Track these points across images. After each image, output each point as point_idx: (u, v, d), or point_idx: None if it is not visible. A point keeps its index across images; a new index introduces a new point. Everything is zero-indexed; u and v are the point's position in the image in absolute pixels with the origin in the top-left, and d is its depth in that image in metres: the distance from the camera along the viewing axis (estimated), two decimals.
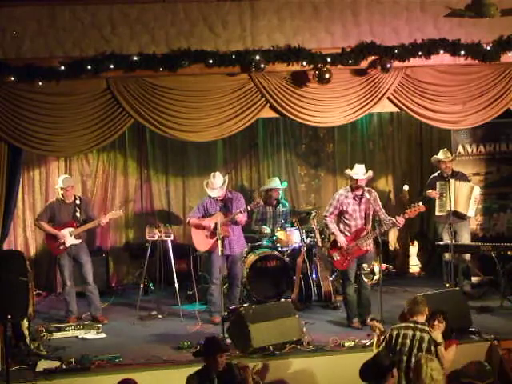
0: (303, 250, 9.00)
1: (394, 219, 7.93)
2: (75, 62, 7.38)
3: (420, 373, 5.19)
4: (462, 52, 7.90)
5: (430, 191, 9.19)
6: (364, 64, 7.85)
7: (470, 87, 8.17)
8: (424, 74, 8.08)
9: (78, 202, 8.58)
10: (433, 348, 5.93)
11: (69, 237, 8.42)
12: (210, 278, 8.58)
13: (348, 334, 7.57)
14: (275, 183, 9.81)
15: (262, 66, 7.52)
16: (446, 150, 9.29)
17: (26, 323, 7.36)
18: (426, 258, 10.53)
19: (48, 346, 7.56)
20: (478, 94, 8.18)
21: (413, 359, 5.84)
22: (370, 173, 8.13)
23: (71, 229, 8.43)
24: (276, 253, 9.15)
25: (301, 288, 8.94)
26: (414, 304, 6.14)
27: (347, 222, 8.06)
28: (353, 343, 7.25)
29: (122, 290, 10.19)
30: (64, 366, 6.92)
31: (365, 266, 8.07)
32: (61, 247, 8.42)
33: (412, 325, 6.02)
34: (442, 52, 7.89)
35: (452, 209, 8.63)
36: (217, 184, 8.40)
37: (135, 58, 7.45)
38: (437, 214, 9.16)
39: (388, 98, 8.09)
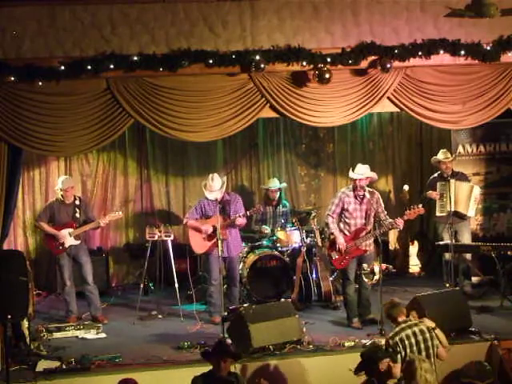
0: (303, 249, 9.00)
1: (393, 221, 7.95)
2: (75, 62, 7.38)
3: (414, 375, 5.22)
4: (462, 52, 7.90)
5: (430, 192, 9.20)
6: (364, 64, 7.85)
7: (470, 87, 8.17)
8: (424, 74, 8.08)
9: (77, 202, 8.58)
10: (433, 333, 6.05)
11: (68, 237, 8.42)
12: (208, 280, 8.57)
13: (348, 334, 7.57)
14: (272, 183, 9.82)
15: (262, 66, 7.52)
16: (445, 150, 9.29)
17: (25, 323, 7.36)
18: (426, 258, 10.53)
19: (48, 346, 7.56)
20: (478, 94, 8.18)
21: (424, 353, 5.94)
22: (374, 174, 8.13)
23: (70, 229, 8.43)
24: (276, 253, 9.15)
25: (301, 288, 8.94)
26: (392, 309, 6.21)
27: (347, 220, 8.07)
28: (353, 343, 7.25)
29: (122, 289, 10.19)
30: (64, 366, 6.92)
31: (365, 265, 8.08)
32: (60, 247, 8.42)
33: (404, 324, 6.05)
34: (441, 52, 7.89)
35: (452, 209, 8.64)
36: (215, 186, 8.34)
37: (135, 58, 7.45)
38: (437, 214, 9.16)
39: (388, 98, 8.09)
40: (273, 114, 8.13)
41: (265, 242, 9.38)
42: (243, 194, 10.53)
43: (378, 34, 7.87)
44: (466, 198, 9.04)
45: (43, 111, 7.59)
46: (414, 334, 6.00)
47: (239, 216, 8.33)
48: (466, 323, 7.52)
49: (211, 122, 7.85)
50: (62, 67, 7.35)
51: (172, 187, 10.64)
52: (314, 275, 9.04)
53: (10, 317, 6.57)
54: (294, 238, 9.34)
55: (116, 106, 7.66)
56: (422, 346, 5.97)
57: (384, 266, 9.62)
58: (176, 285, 8.81)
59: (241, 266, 9.18)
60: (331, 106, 8.01)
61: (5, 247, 8.18)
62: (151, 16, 7.61)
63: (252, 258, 9.08)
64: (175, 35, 7.62)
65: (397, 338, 5.99)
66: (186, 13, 7.65)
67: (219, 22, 7.70)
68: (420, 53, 7.84)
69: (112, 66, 7.41)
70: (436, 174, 9.29)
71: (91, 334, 8.02)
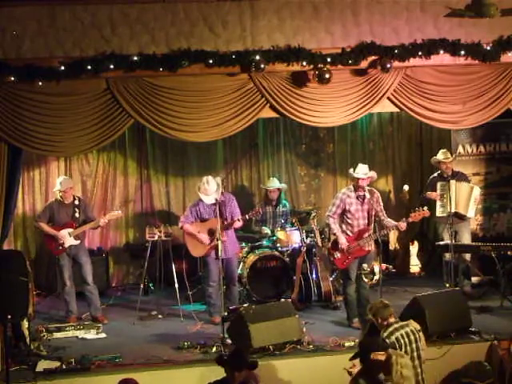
0: (303, 250, 9.00)
1: (396, 223, 7.96)
2: (75, 62, 7.37)
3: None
4: (462, 52, 7.89)
5: (429, 193, 9.20)
6: (364, 64, 7.84)
7: (470, 87, 8.17)
8: (424, 73, 8.07)
9: (76, 202, 8.58)
10: (422, 335, 6.06)
11: (68, 237, 8.42)
12: (206, 282, 8.56)
13: (348, 334, 7.57)
14: (271, 183, 9.81)
15: (262, 66, 7.52)
16: (445, 150, 9.29)
17: (25, 323, 7.37)
18: (426, 258, 10.53)
19: (48, 346, 7.56)
20: (478, 94, 8.18)
21: (416, 354, 5.95)
22: (374, 174, 8.14)
23: (70, 229, 8.43)
24: (276, 253, 9.16)
25: (301, 288, 8.94)
26: (383, 308, 6.14)
27: (349, 221, 8.07)
28: (353, 343, 7.24)
29: (122, 290, 10.19)
30: (64, 366, 6.92)
31: (365, 266, 8.08)
32: (60, 248, 8.42)
33: (397, 325, 6.06)
34: (441, 52, 7.89)
35: (453, 210, 8.64)
36: (211, 190, 8.27)
37: (135, 58, 7.44)
38: (437, 214, 9.16)
39: (388, 98, 8.08)
40: (273, 114, 8.13)
41: (265, 242, 9.38)
42: (243, 194, 10.58)
43: (378, 34, 7.87)
44: (465, 198, 9.04)
45: (43, 111, 7.58)
46: (407, 334, 6.00)
47: (238, 220, 8.31)
48: (466, 323, 7.53)
49: (211, 122, 7.84)
50: (62, 67, 7.34)
51: (172, 187, 10.63)
52: (314, 275, 9.04)
53: (10, 317, 6.58)
54: (293, 238, 9.34)
55: (116, 106, 7.65)
56: (414, 346, 5.98)
57: (384, 266, 9.63)
58: (176, 285, 8.81)
59: (241, 266, 9.19)
60: (331, 106, 8.01)
61: (5, 247, 8.18)
62: (151, 16, 7.61)
63: (252, 258, 9.09)
64: (175, 35, 7.62)
65: (393, 338, 5.99)
66: (186, 13, 7.65)
67: (219, 22, 7.69)
68: (420, 53, 7.83)
69: (112, 66, 7.40)
70: (436, 174, 9.29)
71: (91, 334, 8.02)
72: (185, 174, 10.64)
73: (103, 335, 8.05)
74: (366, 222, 8.07)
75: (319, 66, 7.67)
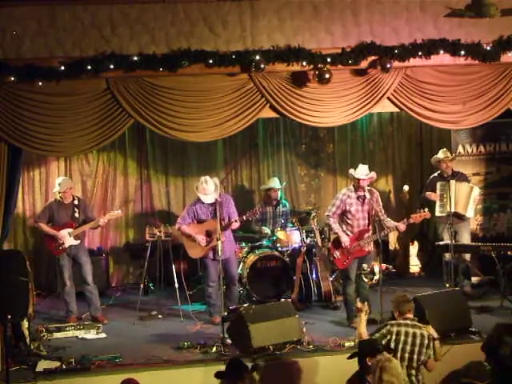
0: (303, 249, 9.00)
1: (396, 224, 7.97)
2: (75, 62, 7.37)
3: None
4: (462, 52, 7.89)
5: (428, 193, 9.20)
6: (364, 64, 7.84)
7: (470, 87, 8.17)
8: (424, 74, 8.07)
9: (76, 202, 8.58)
10: (431, 343, 6.01)
11: (68, 237, 8.42)
12: (206, 282, 8.56)
13: (348, 334, 7.55)
14: (273, 183, 9.82)
15: (262, 66, 7.51)
16: (445, 149, 9.30)
17: (26, 323, 7.36)
18: (426, 258, 10.53)
19: (48, 346, 7.56)
20: (478, 94, 8.17)
21: (415, 357, 5.93)
22: (374, 174, 8.14)
23: (70, 229, 8.43)
24: (276, 253, 9.16)
25: (301, 288, 8.94)
26: (404, 302, 6.18)
27: (349, 222, 8.07)
28: (353, 343, 7.22)
29: (122, 289, 10.19)
30: (64, 366, 6.92)
31: (365, 266, 8.08)
32: (60, 248, 8.43)
33: (410, 322, 6.05)
34: (442, 52, 7.88)
35: (452, 210, 8.64)
36: (209, 189, 8.26)
37: (135, 58, 7.44)
38: (437, 214, 9.16)
39: (388, 98, 8.08)
40: (273, 114, 8.12)
41: (265, 242, 9.38)
42: (243, 194, 10.59)
43: (378, 34, 7.87)
44: (465, 198, 9.04)
45: (43, 111, 7.58)
46: (414, 335, 5.98)
47: (235, 221, 8.30)
48: (466, 323, 7.53)
49: (211, 122, 7.84)
50: (62, 67, 7.34)
51: (172, 187, 10.64)
52: (314, 275, 9.04)
53: (10, 317, 6.58)
54: (293, 238, 9.34)
55: (116, 106, 7.65)
56: (415, 349, 5.93)
57: (384, 266, 9.63)
58: (176, 285, 8.81)
59: (241, 266, 9.19)
60: (331, 106, 8.00)
61: (5, 247, 8.18)
62: (151, 16, 7.60)
63: (252, 258, 9.09)
64: (175, 35, 7.61)
65: (393, 329, 5.98)
66: (186, 13, 7.65)
67: (219, 22, 7.69)
68: (420, 53, 7.83)
69: (112, 66, 7.39)
70: (436, 174, 9.30)
71: (91, 334, 8.02)
72: (185, 174, 10.64)
73: (103, 335, 8.05)
74: (367, 222, 8.08)
75: (319, 65, 7.66)
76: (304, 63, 7.69)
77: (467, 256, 9.13)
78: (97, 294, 8.63)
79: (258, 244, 9.38)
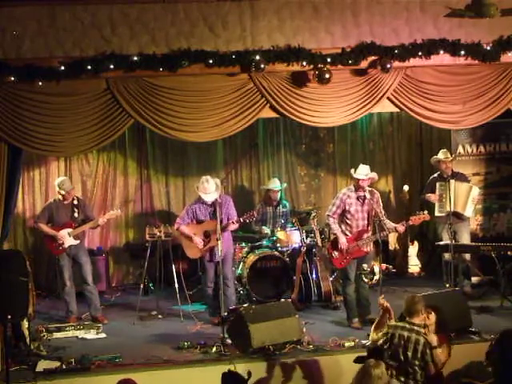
0: (303, 250, 9.00)
1: (395, 225, 7.96)
2: (75, 62, 7.37)
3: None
4: (462, 52, 7.89)
5: (428, 195, 9.21)
6: (364, 64, 7.85)
7: (470, 87, 8.17)
8: (424, 74, 8.08)
9: (75, 202, 8.58)
10: (428, 351, 5.91)
11: (67, 237, 8.42)
12: (205, 282, 8.54)
13: (348, 334, 7.57)
14: (273, 184, 9.82)
15: (262, 66, 7.52)
16: (445, 150, 9.30)
17: (26, 323, 7.35)
18: (426, 258, 10.53)
19: (48, 346, 7.56)
20: (478, 94, 8.18)
21: (408, 361, 5.88)
22: (375, 175, 8.13)
23: (70, 229, 8.43)
24: (276, 253, 9.16)
25: (301, 288, 8.94)
26: (412, 303, 6.11)
27: (349, 222, 8.07)
28: (353, 343, 7.25)
29: (122, 289, 10.19)
30: (64, 366, 6.91)
31: (365, 266, 8.08)
32: (60, 248, 8.43)
33: (408, 326, 6.00)
34: (442, 52, 7.89)
35: (452, 209, 8.64)
36: (210, 188, 8.22)
37: (135, 58, 7.44)
38: (436, 214, 9.16)
39: (388, 98, 8.08)
40: (273, 114, 8.13)
41: (265, 243, 9.38)
42: (243, 194, 10.59)
43: (377, 34, 7.87)
44: (464, 197, 9.05)
45: (43, 111, 7.58)
46: (408, 340, 5.93)
47: (232, 222, 8.29)
48: (466, 323, 7.52)
49: (211, 122, 7.84)
50: (62, 67, 7.35)
51: (172, 187, 10.64)
52: (313, 275, 9.04)
53: (10, 317, 6.57)
54: (293, 238, 9.34)
55: (116, 106, 7.65)
56: (410, 354, 5.89)
57: (384, 266, 9.64)
58: (176, 285, 8.81)
59: (241, 266, 9.20)
60: (331, 106, 8.01)
61: (5, 247, 8.18)
62: (151, 16, 7.61)
63: (252, 258, 9.09)
64: (175, 35, 7.62)
65: (390, 331, 5.97)
66: (186, 13, 7.65)
67: (219, 22, 7.69)
68: (420, 53, 7.83)
69: (112, 66, 7.40)
70: (436, 174, 9.30)
71: (91, 334, 8.02)
72: (185, 173, 10.64)
73: (103, 335, 8.04)
74: (366, 222, 8.07)
75: (319, 66, 7.67)
76: (304, 63, 7.70)
77: (467, 256, 9.13)
78: (97, 294, 8.63)
79: (258, 244, 9.38)
